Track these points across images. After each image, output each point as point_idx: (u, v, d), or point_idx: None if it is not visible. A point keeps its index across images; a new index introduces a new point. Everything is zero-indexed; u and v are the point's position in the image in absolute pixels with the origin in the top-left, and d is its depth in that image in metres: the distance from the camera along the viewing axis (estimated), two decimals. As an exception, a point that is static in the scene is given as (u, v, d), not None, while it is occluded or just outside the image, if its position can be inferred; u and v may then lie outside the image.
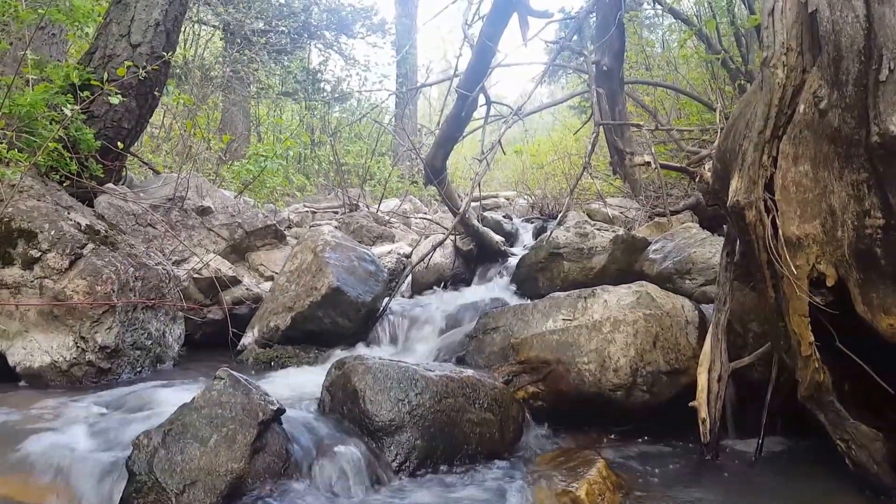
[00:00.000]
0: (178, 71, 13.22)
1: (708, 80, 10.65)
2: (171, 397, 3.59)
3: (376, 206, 10.51)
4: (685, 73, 11.57)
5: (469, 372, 3.70)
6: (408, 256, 7.25)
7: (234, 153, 13.16)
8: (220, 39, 17.47)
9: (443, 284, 6.99)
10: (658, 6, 11.43)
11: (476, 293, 6.63)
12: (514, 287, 6.56)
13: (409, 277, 6.69)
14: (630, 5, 10.13)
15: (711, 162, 3.79)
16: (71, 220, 4.52)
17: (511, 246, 8.71)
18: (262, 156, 8.50)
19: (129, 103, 5.67)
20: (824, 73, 2.75)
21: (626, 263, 5.72)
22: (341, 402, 3.35)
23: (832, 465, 3.16)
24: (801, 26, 2.86)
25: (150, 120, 6.96)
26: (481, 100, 6.40)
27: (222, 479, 2.61)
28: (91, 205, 5.36)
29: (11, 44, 5.56)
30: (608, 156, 9.89)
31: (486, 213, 9.73)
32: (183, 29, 9.04)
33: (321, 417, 3.37)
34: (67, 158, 5.05)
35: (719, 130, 4.60)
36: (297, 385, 4.18)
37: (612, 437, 3.79)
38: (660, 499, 3.00)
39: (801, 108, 2.85)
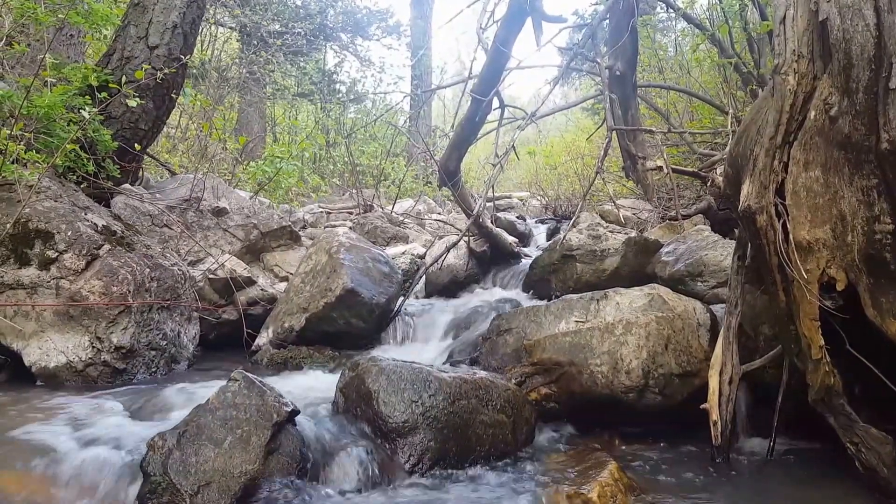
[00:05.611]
0: (194, 72, 13.29)
1: (720, 84, 10.63)
2: (186, 398, 3.62)
3: (391, 207, 10.53)
4: (697, 76, 11.56)
5: (482, 373, 3.73)
6: (422, 257, 7.28)
7: (249, 154, 13.23)
8: (237, 41, 17.57)
9: (456, 286, 7.00)
10: (671, 10, 11.40)
11: (489, 294, 6.64)
12: (527, 288, 6.57)
13: (423, 278, 6.71)
14: (643, 9, 10.11)
15: (723, 166, 3.80)
16: (87, 220, 4.56)
17: (524, 247, 8.73)
18: (278, 157, 8.53)
19: (146, 105, 5.70)
20: (835, 81, 2.76)
21: (639, 265, 5.71)
22: (355, 404, 3.37)
23: (842, 469, 3.17)
24: (812, 34, 2.88)
25: (167, 120, 7.00)
26: (495, 103, 6.42)
27: (236, 481, 2.65)
28: (108, 205, 5.40)
29: (30, 45, 5.61)
30: (621, 158, 9.90)
31: (499, 214, 9.75)
32: (200, 30, 9.09)
33: (335, 418, 3.39)
34: (85, 159, 5.09)
35: (731, 135, 4.61)
36: (311, 386, 4.21)
37: (624, 438, 3.80)
38: (671, 501, 3.02)
39: (812, 114, 2.86)
